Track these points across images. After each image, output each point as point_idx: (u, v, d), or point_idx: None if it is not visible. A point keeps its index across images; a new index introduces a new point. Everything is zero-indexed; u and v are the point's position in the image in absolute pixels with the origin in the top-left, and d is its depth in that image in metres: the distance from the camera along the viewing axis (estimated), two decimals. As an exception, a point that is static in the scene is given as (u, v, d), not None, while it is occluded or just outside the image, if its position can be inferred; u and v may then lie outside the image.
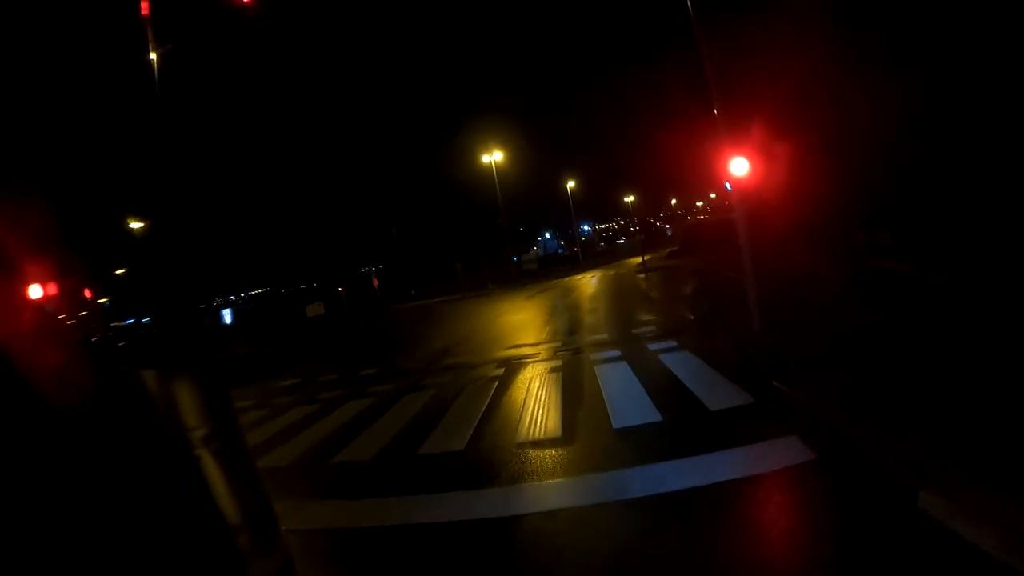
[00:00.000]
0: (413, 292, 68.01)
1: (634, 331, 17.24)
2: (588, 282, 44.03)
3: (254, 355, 29.22)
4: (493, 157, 62.76)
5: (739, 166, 13.21)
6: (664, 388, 10.39)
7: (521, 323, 25.04)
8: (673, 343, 14.13)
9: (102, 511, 1.78)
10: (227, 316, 63.02)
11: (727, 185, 13.41)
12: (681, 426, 8.50)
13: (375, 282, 64.85)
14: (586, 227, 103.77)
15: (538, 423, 9.64)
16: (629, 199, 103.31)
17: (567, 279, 51.18)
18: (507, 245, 70.26)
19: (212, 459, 2.26)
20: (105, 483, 1.79)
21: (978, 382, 7.32)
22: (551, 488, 7.16)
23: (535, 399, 11.16)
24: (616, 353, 14.13)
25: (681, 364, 11.91)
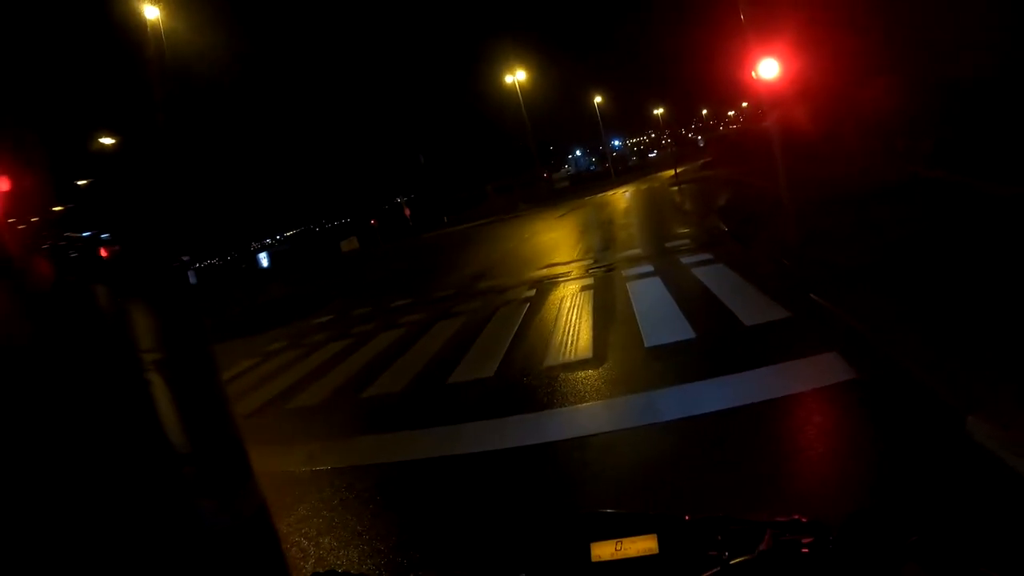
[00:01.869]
0: (445, 219, 67.87)
1: (667, 245, 16.90)
2: (620, 197, 43.51)
3: (290, 296, 29.32)
4: (517, 77, 61.76)
5: (768, 68, 12.55)
6: (698, 303, 10.09)
7: (553, 242, 24.78)
8: (707, 256, 13.78)
9: (33, 422, 1.58)
10: (263, 259, 63.40)
11: (755, 76, 12.68)
12: (715, 343, 8.21)
13: (407, 212, 64.68)
14: (617, 142, 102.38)
15: (568, 345, 9.43)
16: (659, 111, 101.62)
17: (599, 196, 50.63)
18: (537, 165, 69.52)
19: (164, 386, 2.04)
20: (40, 394, 1.59)
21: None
22: (581, 413, 6.98)
23: (566, 319, 10.94)
24: (649, 268, 13.84)
25: (715, 278, 11.58)
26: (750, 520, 1.48)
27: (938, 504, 4.05)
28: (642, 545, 1.47)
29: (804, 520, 1.42)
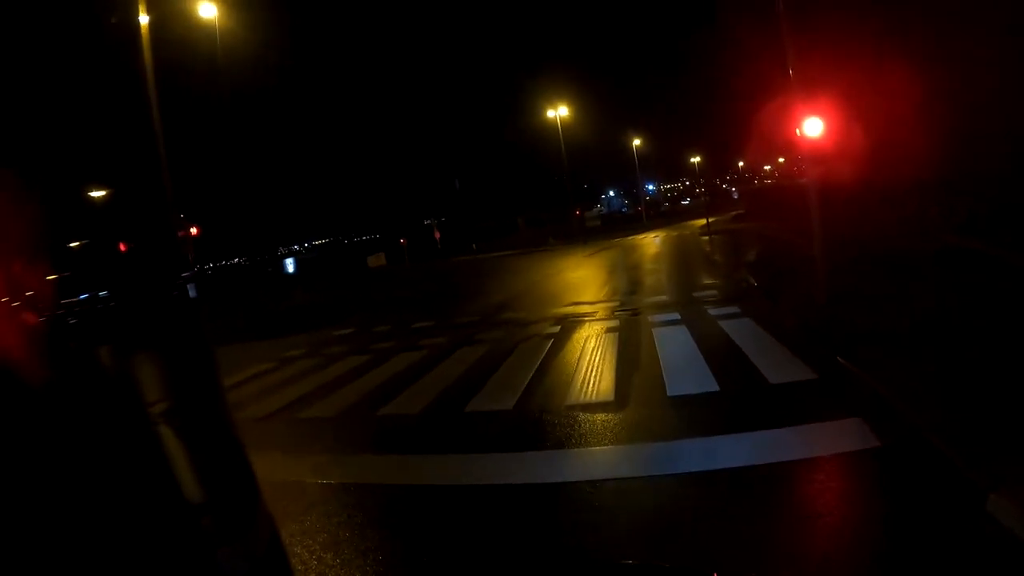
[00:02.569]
0: (474, 245, 67.95)
1: (695, 294, 16.81)
2: (651, 242, 43.45)
3: (312, 304, 29.39)
4: (558, 112, 62.05)
5: (813, 127, 12.53)
6: (723, 356, 9.99)
7: (580, 280, 24.72)
8: (735, 309, 13.68)
9: (52, 493, 1.54)
10: (290, 265, 63.86)
11: (800, 133, 12.62)
12: (739, 398, 8.11)
13: (437, 234, 64.89)
14: (651, 186, 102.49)
15: (590, 385, 9.35)
16: (696, 160, 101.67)
17: (629, 238, 50.60)
18: (570, 201, 69.68)
19: (174, 435, 2.00)
20: (53, 464, 1.55)
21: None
22: (598, 455, 6.91)
23: (589, 360, 10.86)
24: (675, 316, 13.74)
25: (742, 332, 11.47)
26: None
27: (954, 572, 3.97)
28: None
29: None
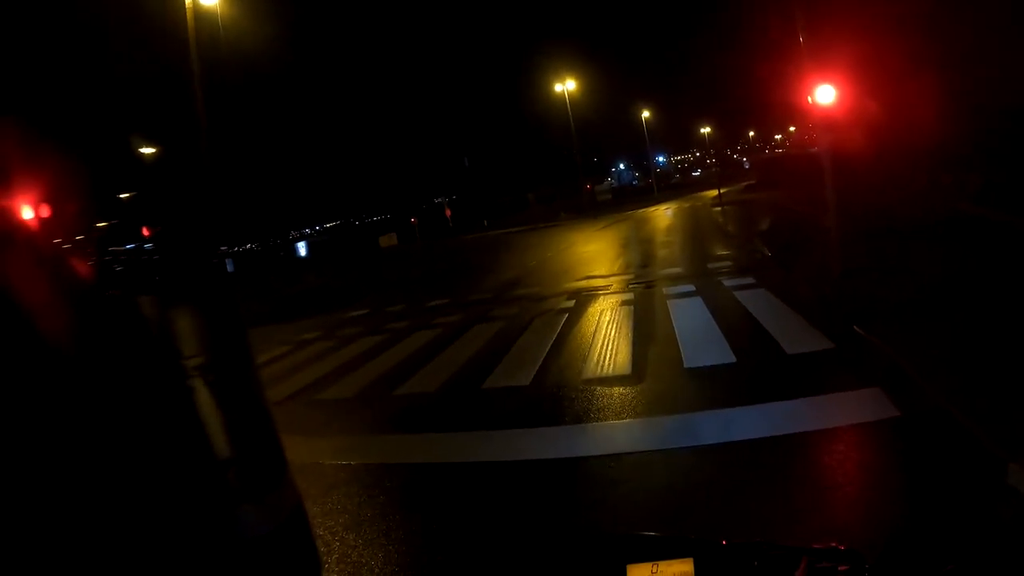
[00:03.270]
0: (486, 222, 67.91)
1: (709, 266, 16.73)
2: (662, 214, 43.28)
3: (325, 286, 29.44)
4: (566, 86, 61.72)
5: (825, 94, 12.37)
6: (739, 327, 9.93)
7: (593, 254, 24.66)
8: (749, 280, 13.60)
9: (84, 436, 1.55)
10: (301, 248, 63.90)
11: (811, 101, 12.46)
12: (756, 369, 8.06)
13: (448, 212, 64.85)
14: (661, 158, 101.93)
15: (607, 359, 9.32)
16: (706, 131, 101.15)
17: (641, 211, 50.40)
18: (581, 176, 69.41)
19: (207, 390, 2.00)
20: (87, 409, 1.56)
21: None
22: (616, 429, 6.89)
23: (605, 333, 10.83)
24: (690, 288, 13.68)
25: (757, 302, 11.40)
26: (787, 547, 1.46)
27: (974, 541, 3.90)
28: (678, 569, 1.43)
29: (841, 548, 1.40)
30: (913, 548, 1.27)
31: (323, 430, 8.54)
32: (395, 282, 27.11)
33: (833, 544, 1.38)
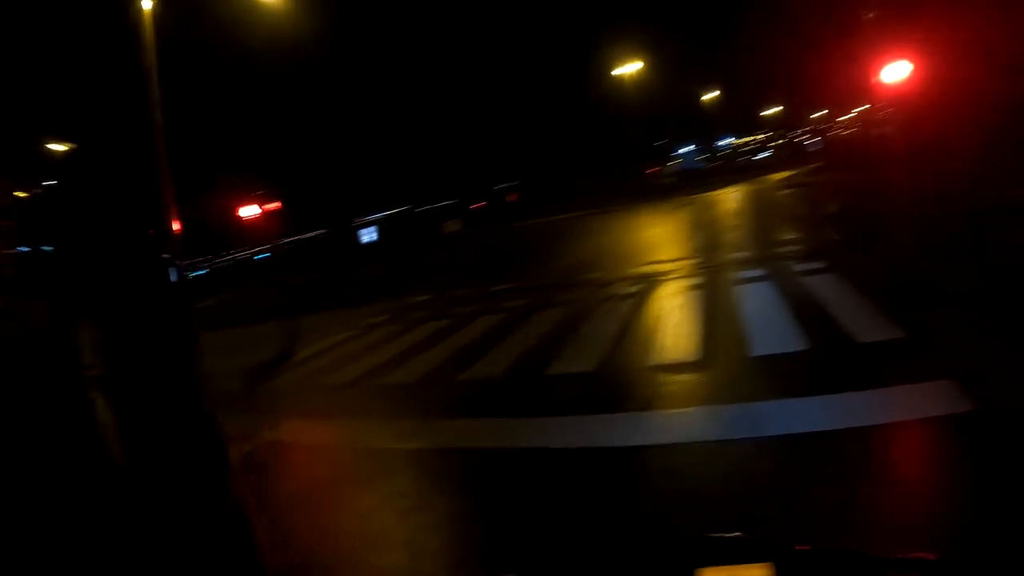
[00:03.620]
0: (551, 207, 67.67)
1: (777, 250, 16.38)
2: (729, 197, 42.61)
3: (390, 272, 29.71)
4: (631, 68, 61.17)
5: (895, 71, 11.93)
6: (808, 313, 9.67)
7: (659, 238, 24.39)
8: (819, 264, 13.25)
9: None
10: (367, 235, 64.43)
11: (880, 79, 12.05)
12: (826, 358, 7.81)
13: (512, 197, 64.80)
14: (727, 140, 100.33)
15: (673, 346, 9.20)
16: (772, 111, 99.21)
17: (707, 194, 49.66)
18: (645, 158, 68.77)
19: (105, 402, 1.98)
20: None
21: None
22: (680, 418, 6.80)
23: (670, 319, 10.69)
24: (758, 272, 13.42)
25: (828, 288, 11.08)
26: (872, 556, 1.35)
27: None
28: (755, 574, 1.34)
29: (931, 559, 1.29)
30: (1012, 564, 1.17)
31: (388, 414, 8.62)
32: (460, 267, 27.23)
33: (922, 555, 1.29)
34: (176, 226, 18.73)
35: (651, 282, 14.44)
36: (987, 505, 4.35)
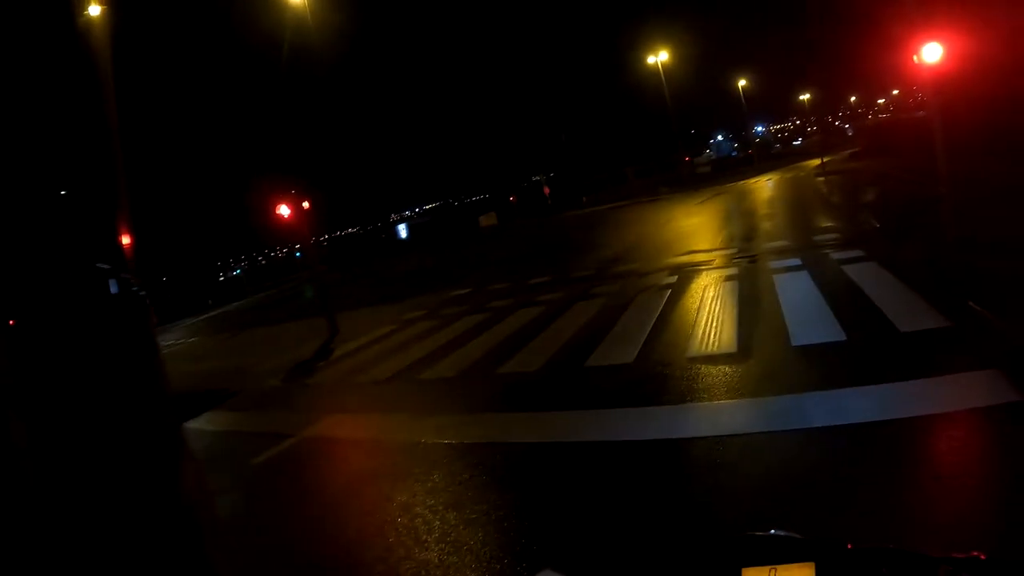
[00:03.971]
0: (584, 199, 67.49)
1: (815, 238, 16.21)
2: (763, 185, 42.22)
3: (428, 267, 29.84)
4: (661, 58, 60.73)
5: (932, 52, 11.70)
6: (848, 303, 9.57)
7: (694, 228, 24.25)
8: (858, 252, 13.10)
9: None
10: (403, 231, 64.85)
11: (917, 60, 11.82)
12: (867, 348, 7.71)
13: (546, 190, 64.72)
14: (760, 128, 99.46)
15: (711, 336, 9.16)
16: (805, 97, 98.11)
17: (741, 183, 49.27)
18: (679, 148, 68.37)
19: (11, 414, 2.03)
20: None
21: None
22: (720, 410, 6.76)
23: (708, 310, 10.65)
24: (796, 262, 13.30)
25: (867, 276, 10.95)
26: (921, 554, 1.33)
27: None
28: (798, 574, 1.34)
29: (983, 558, 1.27)
30: None
31: (427, 409, 8.68)
32: (496, 261, 27.29)
33: (975, 554, 1.28)
34: (126, 239, 18.87)
35: (688, 272, 14.37)
36: (1019, 492, 4.32)
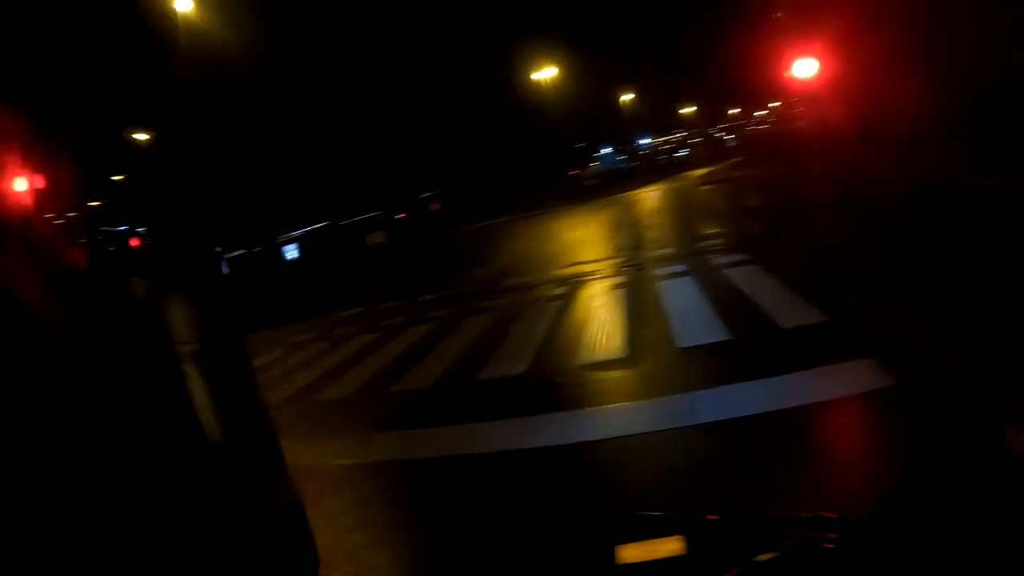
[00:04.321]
0: (473, 214, 67.67)
1: (699, 245, 16.70)
2: (650, 196, 43.19)
3: (317, 288, 29.43)
4: (548, 73, 61.66)
5: (805, 67, 12.31)
6: (731, 304, 9.92)
7: (583, 239, 24.62)
8: (740, 257, 13.57)
9: (74, 417, 1.54)
10: (290, 251, 63.75)
11: (791, 75, 12.43)
12: (750, 345, 8.06)
13: (436, 206, 64.63)
14: (646, 140, 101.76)
15: (600, 344, 9.33)
16: (689, 110, 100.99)
17: (628, 193, 50.24)
18: (567, 161, 69.31)
19: (200, 377, 1.99)
20: (80, 389, 1.55)
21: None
22: (614, 413, 6.90)
23: (597, 318, 10.84)
24: (681, 268, 13.67)
25: (749, 279, 11.38)
26: (775, 517, 1.45)
27: (969, 507, 3.90)
28: (669, 547, 1.43)
29: (829, 516, 1.40)
30: (902, 513, 1.28)
31: (322, 431, 8.55)
32: (386, 279, 27.09)
33: (821, 513, 1.39)
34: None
35: (577, 283, 14.60)
36: (905, 471, 4.58)
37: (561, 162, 70.26)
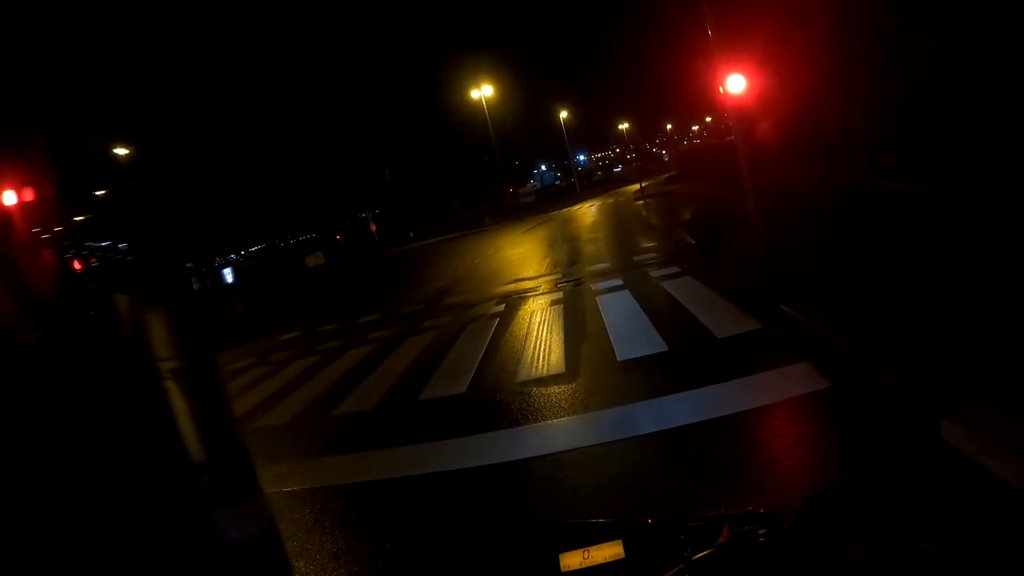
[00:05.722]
0: (411, 234, 67.56)
1: (635, 259, 16.93)
2: (586, 212, 43.59)
3: (254, 312, 29.04)
4: (483, 92, 61.91)
5: (735, 83, 12.63)
6: (668, 316, 10.09)
7: (520, 257, 24.74)
8: (676, 269, 13.80)
9: (56, 432, 1.53)
10: (228, 275, 62.85)
11: (723, 91, 12.73)
12: (688, 356, 8.20)
13: (373, 227, 64.33)
14: (582, 157, 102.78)
15: (540, 360, 9.38)
16: (624, 126, 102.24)
17: (565, 210, 50.67)
18: (503, 179, 69.64)
19: (180, 394, 1.97)
20: (62, 407, 1.54)
21: (997, 308, 6.85)
22: (555, 428, 6.94)
23: (536, 335, 10.90)
24: (618, 282, 13.84)
25: (685, 290, 11.59)
26: (708, 515, 1.53)
27: (903, 494, 4.02)
28: (609, 551, 1.51)
29: (759, 511, 1.48)
30: (831, 506, 1.34)
31: (262, 458, 8.43)
32: (325, 301, 26.88)
33: (751, 508, 1.45)
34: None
35: (515, 300, 14.66)
36: (843, 468, 4.73)
37: (498, 180, 70.53)
